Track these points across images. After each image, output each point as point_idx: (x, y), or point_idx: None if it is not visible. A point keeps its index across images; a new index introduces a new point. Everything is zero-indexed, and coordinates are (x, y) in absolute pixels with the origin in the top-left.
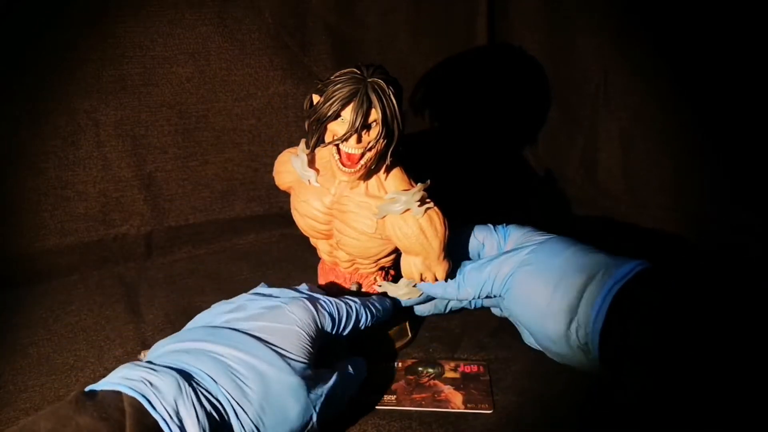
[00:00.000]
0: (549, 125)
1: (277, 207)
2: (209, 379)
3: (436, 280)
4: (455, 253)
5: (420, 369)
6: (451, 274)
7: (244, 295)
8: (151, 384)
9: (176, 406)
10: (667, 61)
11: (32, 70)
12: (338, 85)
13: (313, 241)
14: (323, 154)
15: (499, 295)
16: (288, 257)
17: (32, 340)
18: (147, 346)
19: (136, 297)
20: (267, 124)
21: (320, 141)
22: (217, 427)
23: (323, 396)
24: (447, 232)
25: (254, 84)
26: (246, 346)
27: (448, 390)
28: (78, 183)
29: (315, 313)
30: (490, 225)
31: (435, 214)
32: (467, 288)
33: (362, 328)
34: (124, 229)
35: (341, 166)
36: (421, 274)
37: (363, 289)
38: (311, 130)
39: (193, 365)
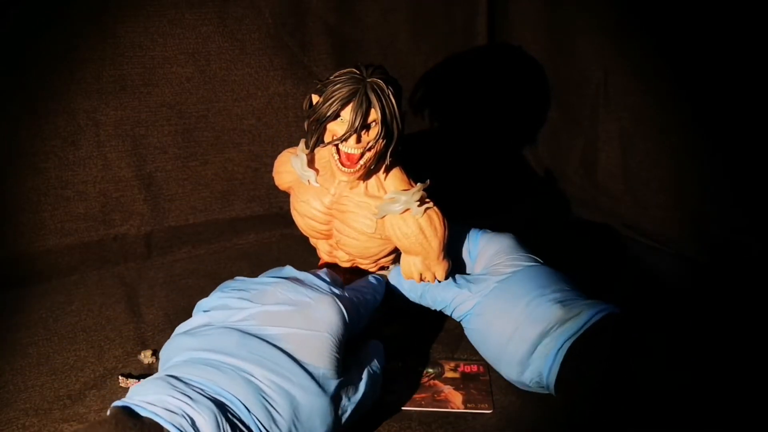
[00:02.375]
0: (549, 125)
1: (277, 207)
2: (243, 407)
3: (436, 279)
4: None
5: (420, 369)
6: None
7: (266, 278)
8: (192, 421)
9: (194, 420)
10: (667, 61)
11: (32, 70)
12: (338, 85)
13: (312, 241)
14: (323, 154)
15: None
16: (288, 257)
17: (32, 340)
18: (147, 346)
19: (136, 297)
20: (267, 124)
21: (320, 141)
22: None
23: (350, 408)
24: (446, 232)
25: (254, 84)
26: (277, 365)
27: (448, 390)
28: (78, 183)
29: (344, 312)
30: (468, 227)
31: (434, 214)
32: (428, 299)
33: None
34: (124, 229)
35: (341, 166)
36: (421, 274)
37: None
38: (311, 130)
39: (227, 390)
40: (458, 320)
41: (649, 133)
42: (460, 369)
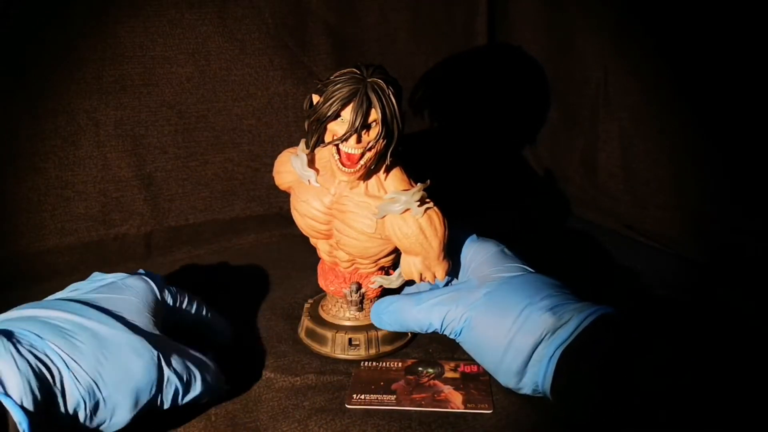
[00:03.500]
0: (549, 125)
1: (277, 207)
2: (33, 336)
3: (436, 280)
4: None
5: (420, 369)
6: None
7: (80, 282)
8: None
9: None
10: (666, 61)
11: (32, 70)
12: (338, 85)
13: (312, 241)
14: (323, 154)
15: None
16: (288, 257)
17: None
18: None
19: None
20: (267, 124)
21: (320, 141)
22: (45, 381)
23: (175, 359)
24: (446, 232)
25: (254, 84)
26: (78, 310)
27: (448, 390)
28: (78, 183)
29: (152, 283)
30: (464, 232)
31: (434, 214)
32: (414, 327)
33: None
34: (124, 229)
35: (341, 166)
36: (421, 274)
37: (362, 289)
38: (311, 130)
39: (16, 326)
40: (452, 337)
41: (649, 133)
42: (460, 369)
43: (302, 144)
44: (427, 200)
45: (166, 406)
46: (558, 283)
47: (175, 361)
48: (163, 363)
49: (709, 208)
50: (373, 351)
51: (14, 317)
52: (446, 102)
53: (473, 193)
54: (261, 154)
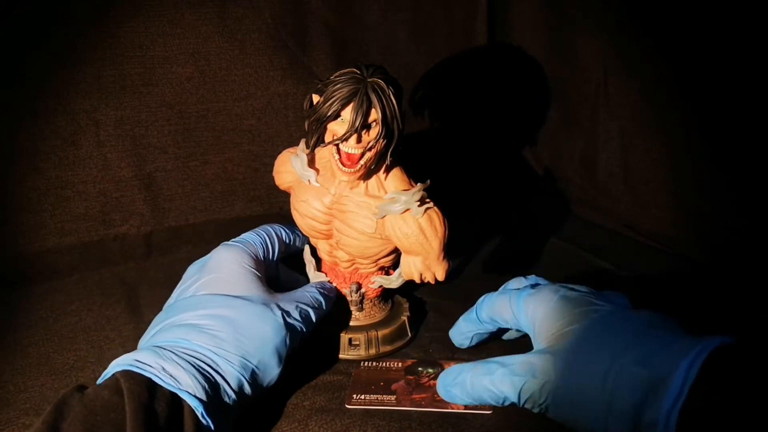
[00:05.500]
0: (549, 125)
1: (277, 207)
2: (182, 341)
3: (436, 280)
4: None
5: (420, 369)
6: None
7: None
8: (133, 359)
9: (162, 365)
10: (666, 61)
11: (33, 70)
12: (338, 85)
13: (313, 241)
14: (323, 154)
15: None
16: (288, 257)
17: (32, 340)
18: None
19: (136, 297)
20: (267, 124)
21: (320, 141)
22: (206, 373)
23: (291, 308)
24: (446, 232)
25: (254, 84)
26: (198, 304)
27: None
28: (78, 183)
29: (241, 246)
30: (509, 292)
31: (435, 214)
32: (487, 399)
33: (296, 244)
34: (124, 229)
35: (341, 166)
36: (421, 274)
37: (362, 289)
38: (311, 130)
39: (163, 339)
40: (536, 411)
41: (649, 133)
42: None
43: (302, 144)
44: (427, 200)
45: (296, 339)
46: (638, 315)
47: (292, 309)
48: (285, 317)
49: (709, 208)
50: (373, 351)
51: (155, 332)
52: (446, 102)
53: (473, 193)
54: (261, 154)
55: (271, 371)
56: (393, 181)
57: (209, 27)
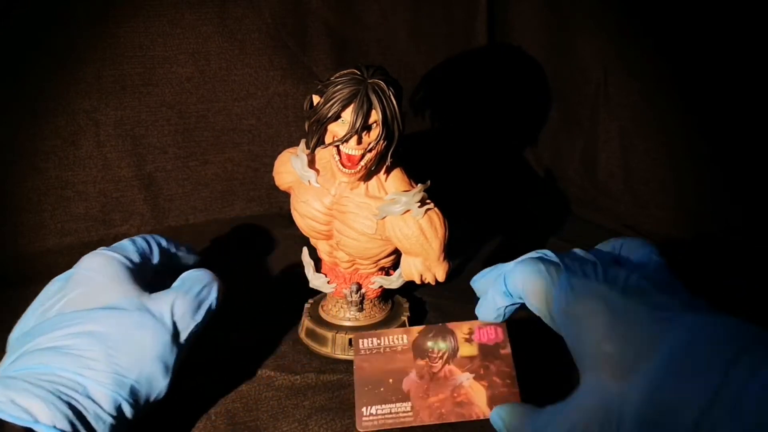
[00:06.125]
0: (549, 125)
1: (277, 207)
2: (41, 366)
3: (436, 280)
4: None
5: (430, 345)
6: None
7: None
8: (20, 405)
9: (11, 397)
10: (666, 61)
11: (33, 71)
12: (338, 86)
13: (313, 241)
14: (323, 154)
15: None
16: (288, 257)
17: None
18: None
19: None
20: (267, 124)
21: (320, 142)
22: (75, 400)
23: (174, 305)
24: (447, 233)
25: (254, 84)
26: (60, 323)
27: (468, 383)
28: (78, 183)
29: (110, 252)
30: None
31: (435, 215)
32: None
33: (180, 254)
34: (124, 229)
35: (341, 167)
36: (421, 275)
37: (362, 290)
38: (311, 131)
39: (19, 367)
40: None
41: (649, 133)
42: (476, 338)
43: (302, 144)
44: (428, 201)
45: (190, 337)
46: (735, 334)
47: (176, 306)
48: (166, 318)
49: (709, 208)
50: None
51: (11, 362)
52: (447, 102)
53: (473, 193)
54: (261, 154)
55: (157, 384)
56: (393, 182)
57: (209, 27)
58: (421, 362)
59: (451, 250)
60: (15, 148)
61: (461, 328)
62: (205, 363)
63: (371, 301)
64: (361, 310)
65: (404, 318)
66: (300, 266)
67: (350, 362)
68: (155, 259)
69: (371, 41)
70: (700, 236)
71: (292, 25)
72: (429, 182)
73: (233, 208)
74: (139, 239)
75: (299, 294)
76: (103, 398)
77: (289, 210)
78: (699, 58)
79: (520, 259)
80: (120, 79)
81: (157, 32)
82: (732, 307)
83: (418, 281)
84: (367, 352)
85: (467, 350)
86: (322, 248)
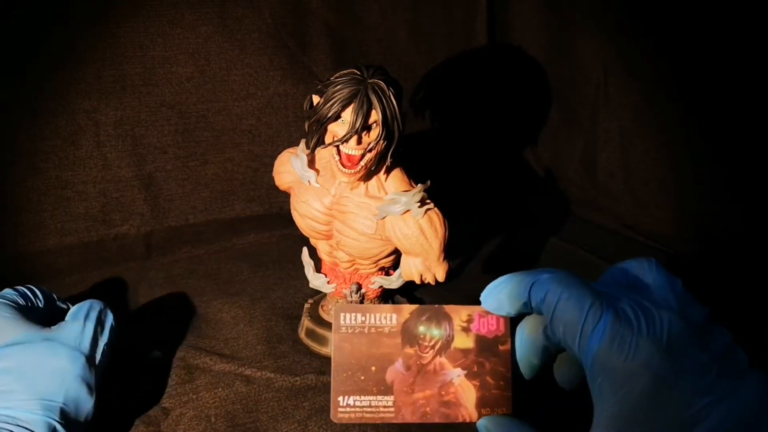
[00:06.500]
0: (549, 125)
1: (277, 207)
2: None
3: (436, 280)
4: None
5: (422, 330)
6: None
7: None
8: None
9: None
10: (666, 61)
11: (33, 70)
12: (338, 86)
13: (313, 241)
14: (323, 154)
15: None
16: (288, 257)
17: None
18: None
19: (136, 297)
20: (267, 124)
21: (320, 142)
22: (9, 430)
23: (76, 330)
24: (447, 233)
25: (254, 84)
26: None
27: (458, 380)
28: (78, 183)
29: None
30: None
31: (435, 215)
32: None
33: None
34: (124, 229)
35: (341, 167)
36: (421, 275)
37: (362, 290)
38: (311, 131)
39: None
40: None
41: (649, 133)
42: (475, 329)
43: (302, 144)
44: (428, 201)
45: (104, 357)
46: None
47: (78, 330)
48: (74, 341)
49: (708, 208)
50: None
51: None
52: (447, 102)
53: (473, 193)
54: (261, 154)
55: (85, 404)
56: (393, 182)
57: (209, 27)
58: (409, 350)
59: (451, 250)
60: (15, 148)
61: (459, 314)
62: (205, 363)
63: (371, 301)
64: None
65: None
66: (300, 266)
67: None
68: (41, 302)
69: (371, 41)
70: (700, 236)
71: (292, 25)
72: (429, 182)
73: (233, 208)
74: (20, 288)
75: (299, 294)
76: (37, 424)
77: (289, 210)
78: (699, 58)
79: (548, 270)
80: (120, 79)
81: (157, 32)
82: (735, 310)
83: (418, 281)
84: (349, 330)
85: (462, 341)
86: (322, 248)
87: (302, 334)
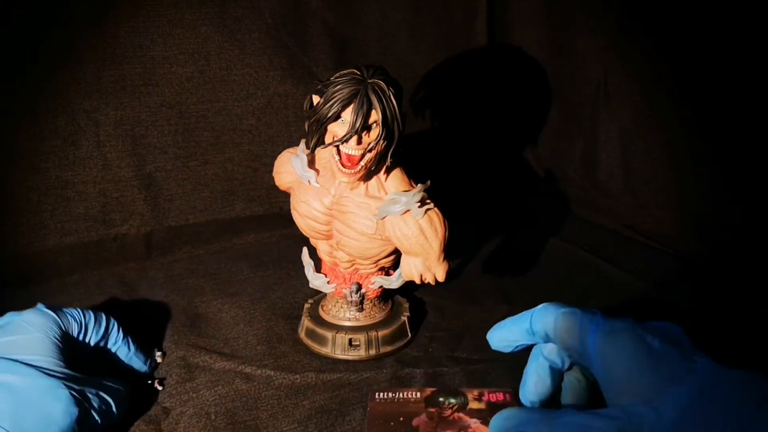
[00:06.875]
0: (549, 125)
1: (277, 207)
2: None
3: (436, 280)
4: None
5: (441, 399)
6: None
7: None
8: None
9: None
10: (666, 61)
11: (33, 70)
12: (338, 86)
13: (313, 241)
14: (323, 154)
15: None
16: (288, 257)
17: None
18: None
19: (136, 297)
20: (267, 124)
21: (320, 142)
22: None
23: (89, 390)
24: (447, 233)
25: (254, 84)
26: None
27: (475, 425)
28: (78, 183)
29: (55, 315)
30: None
31: (435, 215)
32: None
33: (115, 342)
34: (124, 229)
35: (341, 167)
36: (421, 275)
37: (362, 290)
38: (311, 131)
39: None
40: None
41: (649, 133)
42: (485, 398)
43: (302, 144)
44: (428, 201)
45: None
46: (746, 382)
47: (91, 395)
48: (81, 400)
49: (708, 208)
50: (373, 351)
51: None
52: (447, 102)
53: (473, 193)
54: (261, 154)
55: None
56: (393, 181)
57: (209, 27)
58: (431, 410)
59: (451, 250)
60: (15, 148)
61: (472, 392)
62: (205, 361)
63: (371, 301)
64: (361, 310)
65: (404, 318)
66: (300, 266)
67: (350, 362)
68: (91, 338)
69: (371, 41)
70: (700, 236)
71: (292, 25)
72: (429, 182)
73: (233, 208)
74: (89, 312)
75: (299, 294)
76: None
77: (289, 210)
78: (699, 58)
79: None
80: (120, 79)
81: (157, 32)
82: (736, 311)
83: (418, 281)
84: (382, 401)
85: (476, 405)
86: (322, 248)
87: (302, 334)
